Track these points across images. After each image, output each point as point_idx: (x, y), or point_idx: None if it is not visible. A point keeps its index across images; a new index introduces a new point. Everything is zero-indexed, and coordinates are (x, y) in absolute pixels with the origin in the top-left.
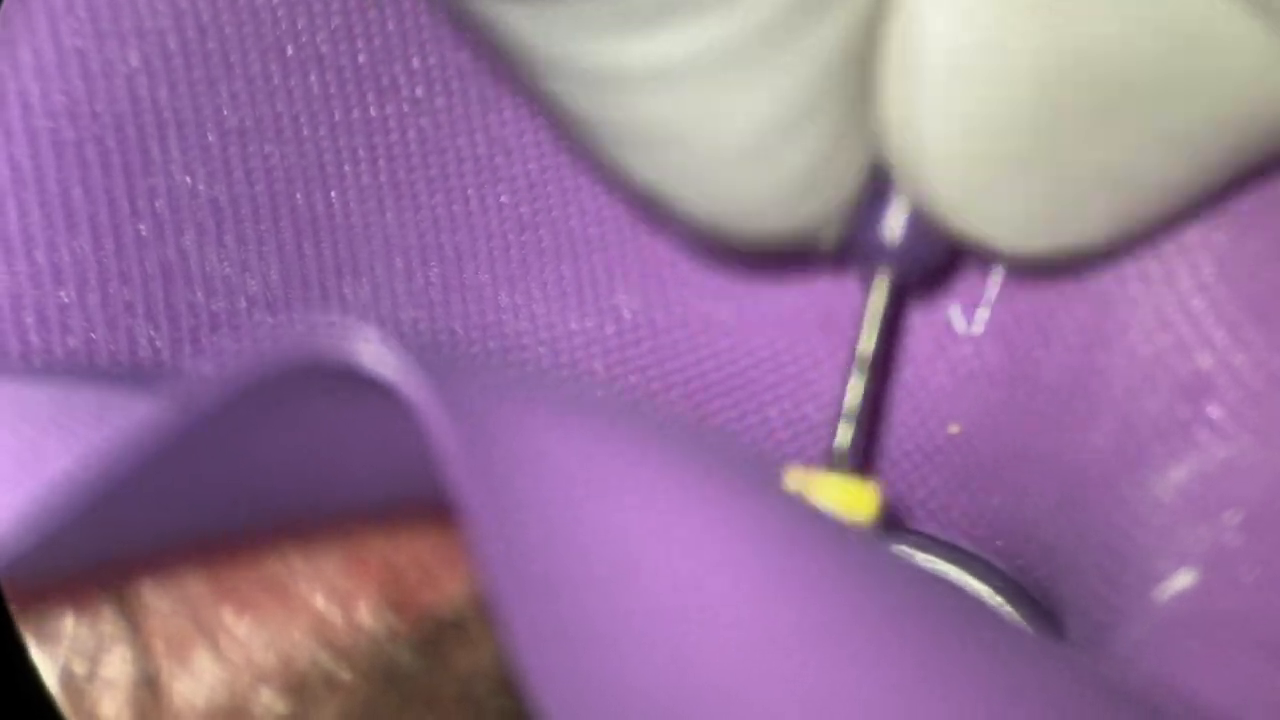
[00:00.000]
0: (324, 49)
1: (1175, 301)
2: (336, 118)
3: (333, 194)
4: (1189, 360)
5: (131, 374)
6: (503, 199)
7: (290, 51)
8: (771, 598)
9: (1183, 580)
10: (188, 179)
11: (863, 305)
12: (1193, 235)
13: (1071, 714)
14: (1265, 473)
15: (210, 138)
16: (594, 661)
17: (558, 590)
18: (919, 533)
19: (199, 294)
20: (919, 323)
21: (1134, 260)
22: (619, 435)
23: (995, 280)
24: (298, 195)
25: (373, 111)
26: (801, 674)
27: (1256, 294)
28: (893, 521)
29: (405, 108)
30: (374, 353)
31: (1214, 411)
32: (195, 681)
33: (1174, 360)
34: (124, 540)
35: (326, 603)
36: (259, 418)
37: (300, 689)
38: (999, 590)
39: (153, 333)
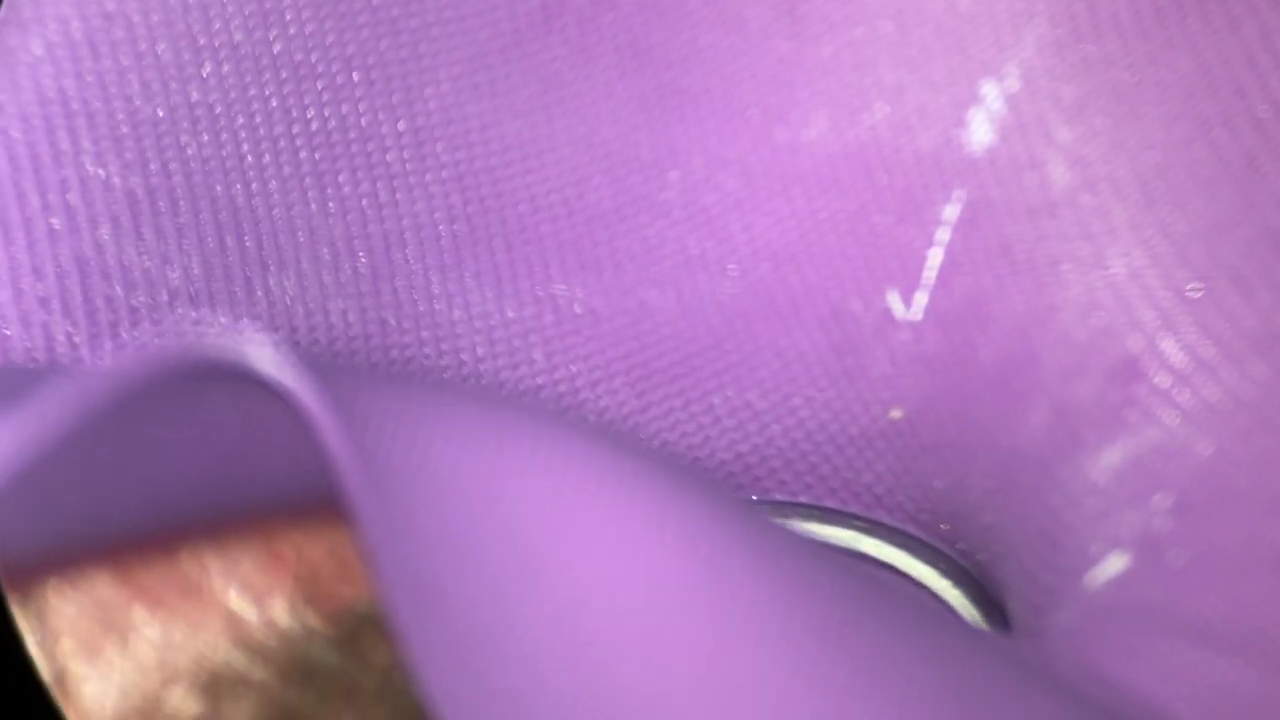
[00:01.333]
0: (238, 36)
1: (1105, 284)
2: (254, 106)
3: (254, 184)
4: (1119, 344)
5: (50, 371)
6: (431, 188)
7: (202, 40)
8: (687, 600)
9: (1114, 565)
10: (100, 171)
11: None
12: (1122, 217)
13: (998, 707)
14: (1194, 457)
15: (123, 129)
16: (496, 669)
17: (456, 597)
18: (865, 518)
19: (117, 288)
20: (859, 309)
21: (1064, 242)
22: (520, 438)
23: (933, 265)
24: (217, 186)
25: (292, 100)
26: (719, 679)
27: (1184, 278)
28: (839, 507)
29: (326, 95)
30: (266, 356)
31: (1144, 394)
32: (105, 682)
33: (1105, 343)
34: (26, 539)
35: (240, 600)
36: (154, 414)
37: (213, 688)
38: (944, 574)
39: (70, 329)
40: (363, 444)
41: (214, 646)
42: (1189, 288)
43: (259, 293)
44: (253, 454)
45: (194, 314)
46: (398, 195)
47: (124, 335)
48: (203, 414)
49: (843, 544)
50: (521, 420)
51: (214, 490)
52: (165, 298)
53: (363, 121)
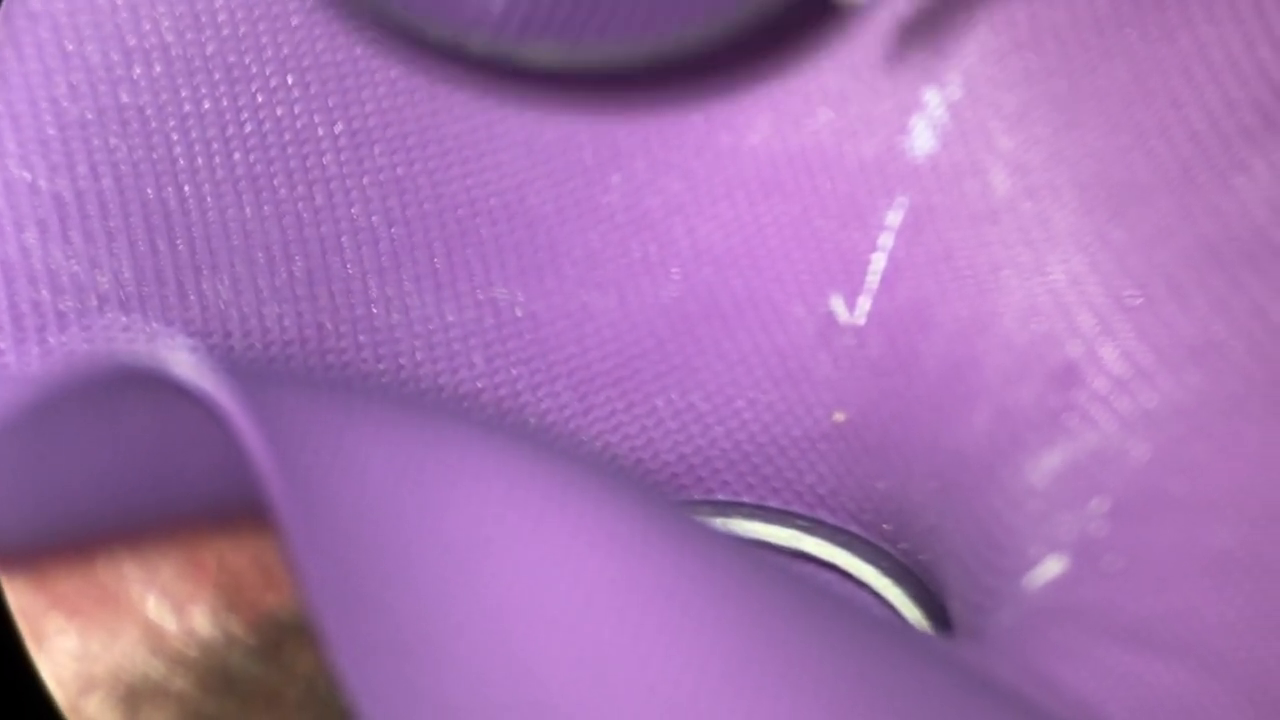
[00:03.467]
0: (169, 38)
1: (1045, 290)
2: (186, 108)
3: (185, 187)
4: (1059, 349)
5: None
6: (369, 190)
7: (132, 41)
8: (618, 607)
9: (1052, 568)
10: (26, 174)
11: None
12: (1062, 224)
13: (930, 710)
14: (1131, 462)
15: (49, 131)
16: (424, 674)
17: (382, 601)
18: (807, 517)
19: (44, 292)
20: (802, 312)
21: (1005, 248)
22: (452, 447)
23: (876, 270)
24: (148, 189)
25: (224, 102)
26: (651, 682)
27: (1122, 285)
28: (782, 506)
29: (260, 98)
30: (184, 361)
31: (1083, 400)
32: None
33: (1045, 349)
34: None
35: (159, 608)
36: (71, 420)
37: (131, 698)
38: (886, 572)
39: None
40: (287, 450)
41: (132, 655)
42: (1127, 295)
43: (192, 297)
44: (175, 461)
45: (124, 319)
46: (335, 199)
47: (51, 340)
48: (123, 420)
49: (785, 543)
50: (454, 429)
51: (135, 497)
52: (94, 302)
53: (298, 124)
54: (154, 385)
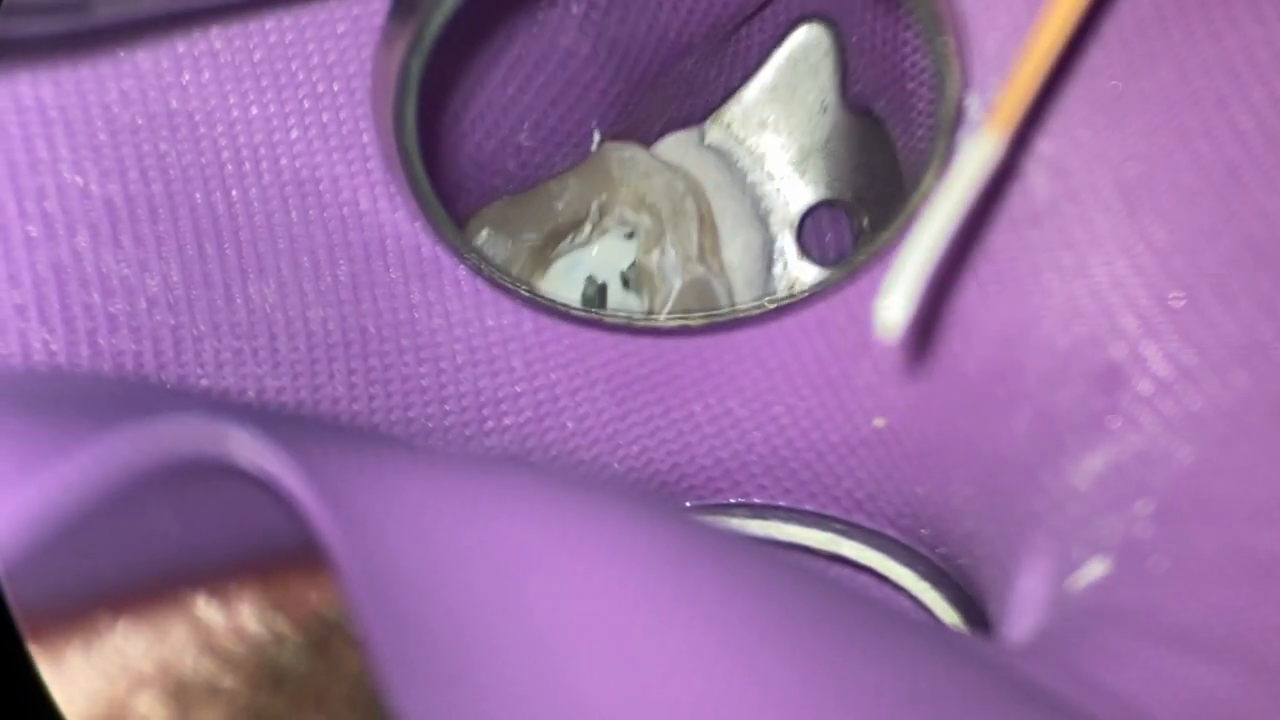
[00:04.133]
0: (217, 44)
1: (1088, 292)
2: (234, 114)
3: (234, 191)
4: (1102, 351)
5: (26, 375)
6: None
7: (181, 48)
8: (659, 620)
9: (1095, 570)
10: (78, 178)
11: None
12: (1104, 226)
13: (971, 713)
14: (1176, 464)
15: (101, 136)
16: (470, 697)
17: (428, 626)
18: (846, 521)
19: (95, 295)
20: (844, 320)
21: (1047, 251)
22: (481, 473)
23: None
24: (196, 194)
25: (272, 108)
26: (697, 698)
27: (1166, 287)
28: (818, 510)
29: (306, 104)
30: (247, 443)
31: (1127, 402)
32: (69, 687)
33: (1088, 351)
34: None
35: (207, 606)
36: (134, 507)
37: (181, 695)
38: (923, 576)
39: (47, 336)
40: (339, 504)
41: (181, 653)
42: (1171, 297)
43: (238, 300)
44: (219, 521)
45: (172, 320)
46: (379, 204)
47: (102, 342)
48: (189, 496)
49: (822, 546)
50: (486, 460)
51: (182, 557)
52: (144, 304)
53: (344, 129)
54: (212, 472)
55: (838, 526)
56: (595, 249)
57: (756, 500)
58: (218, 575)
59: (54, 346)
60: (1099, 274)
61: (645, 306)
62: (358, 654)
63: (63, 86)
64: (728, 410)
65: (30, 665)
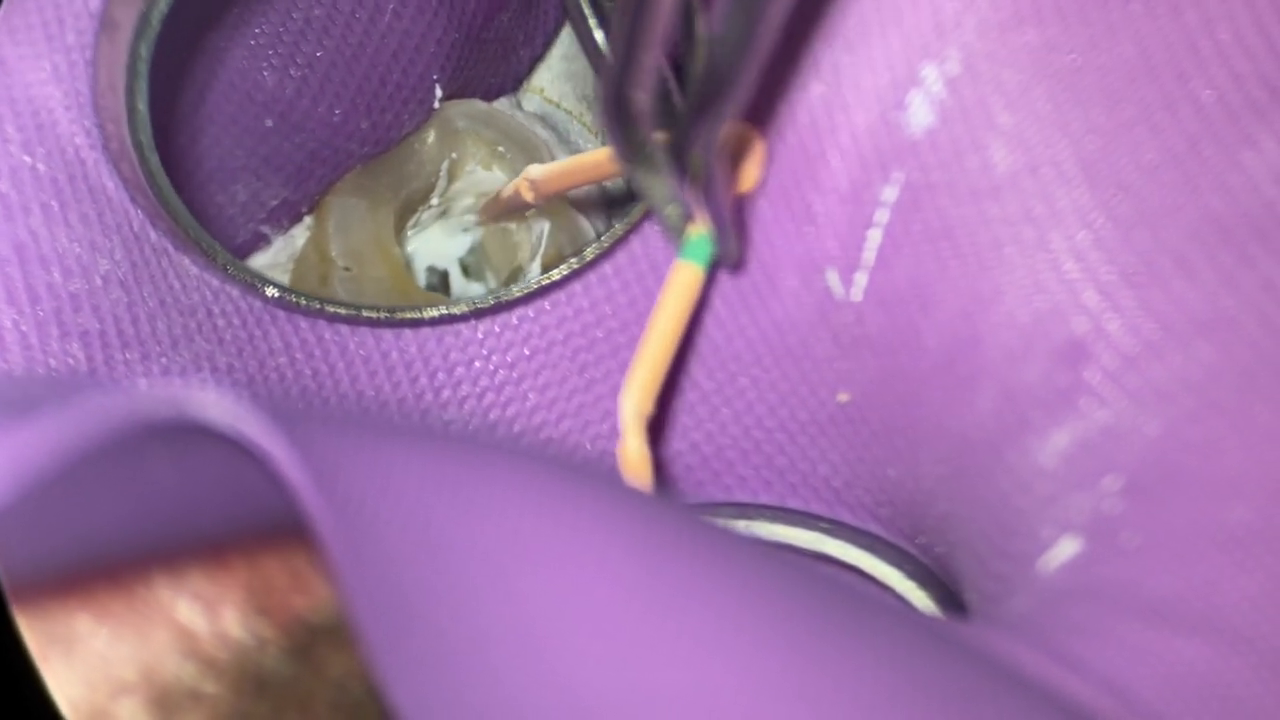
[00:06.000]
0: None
1: (1049, 266)
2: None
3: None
4: (1065, 326)
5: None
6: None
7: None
8: (652, 608)
9: (1067, 549)
10: (26, 158)
11: None
12: (1065, 200)
13: (953, 697)
14: (1143, 439)
15: (42, 115)
16: (464, 684)
17: (422, 614)
18: (828, 518)
19: (55, 274)
20: (796, 283)
21: (1007, 225)
22: (473, 460)
23: (872, 246)
24: (105, 179)
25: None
26: (690, 682)
27: (1128, 260)
28: (802, 507)
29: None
30: (219, 405)
31: (1091, 377)
32: (52, 693)
33: (1050, 326)
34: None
35: (190, 610)
36: (99, 468)
37: (164, 701)
38: (909, 575)
39: (15, 316)
40: (324, 478)
41: (163, 658)
42: (1133, 271)
43: (171, 275)
44: (201, 491)
45: (126, 298)
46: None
47: (69, 322)
48: (148, 461)
49: (808, 545)
50: (478, 447)
51: (162, 527)
52: (99, 283)
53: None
54: (184, 431)
55: (823, 525)
56: (432, 236)
57: (740, 497)
58: (212, 541)
59: (24, 327)
60: (1060, 247)
61: (492, 286)
62: (341, 659)
63: (7, 64)
64: (694, 383)
65: (30, 665)
